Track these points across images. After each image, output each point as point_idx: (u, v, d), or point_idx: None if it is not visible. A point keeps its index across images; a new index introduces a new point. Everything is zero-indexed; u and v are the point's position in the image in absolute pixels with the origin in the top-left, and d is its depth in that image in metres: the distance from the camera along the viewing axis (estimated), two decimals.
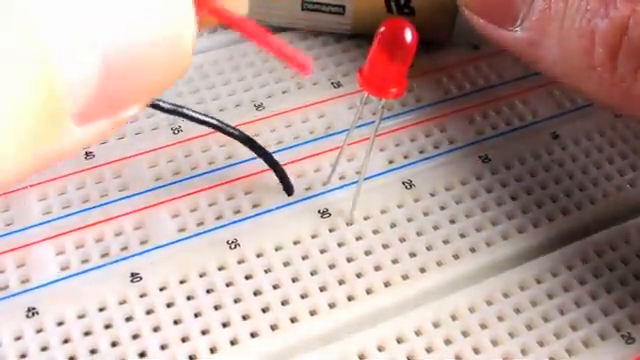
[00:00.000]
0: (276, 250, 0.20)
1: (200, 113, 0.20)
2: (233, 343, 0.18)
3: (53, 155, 0.12)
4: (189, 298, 0.19)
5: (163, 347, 0.18)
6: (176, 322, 0.19)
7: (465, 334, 0.19)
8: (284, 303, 0.19)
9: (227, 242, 0.20)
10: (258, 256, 0.20)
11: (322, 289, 0.19)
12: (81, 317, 0.18)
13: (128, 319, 0.18)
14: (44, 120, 0.11)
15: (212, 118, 0.20)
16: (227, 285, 0.19)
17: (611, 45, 0.18)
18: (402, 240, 0.20)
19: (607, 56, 0.18)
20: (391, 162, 0.22)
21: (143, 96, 0.13)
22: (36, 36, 0.11)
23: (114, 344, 0.18)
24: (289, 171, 0.21)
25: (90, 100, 0.12)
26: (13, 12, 0.11)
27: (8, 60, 0.11)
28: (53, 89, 0.11)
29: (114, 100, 0.13)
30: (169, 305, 0.19)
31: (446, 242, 0.21)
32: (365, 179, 0.21)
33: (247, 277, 0.19)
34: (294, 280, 0.19)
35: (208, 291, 0.19)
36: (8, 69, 0.11)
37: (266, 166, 0.21)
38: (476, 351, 0.19)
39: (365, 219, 0.21)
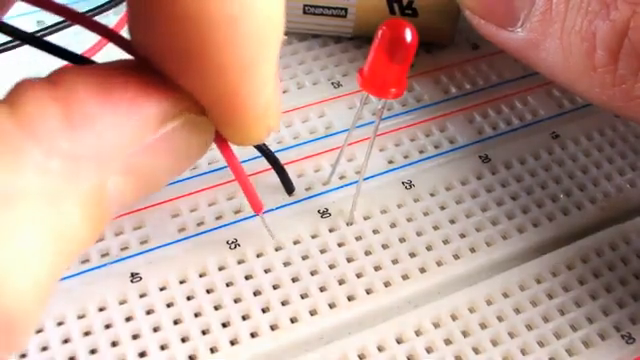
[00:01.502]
0: (276, 250, 0.20)
1: None
2: (233, 343, 0.18)
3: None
4: (189, 298, 0.19)
5: (163, 347, 0.18)
6: (176, 322, 0.19)
7: (465, 334, 0.19)
8: (284, 303, 0.19)
9: (227, 242, 0.20)
10: (258, 256, 0.20)
11: (322, 289, 0.19)
12: (81, 317, 0.18)
13: (128, 319, 0.18)
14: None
15: None
16: (227, 285, 0.19)
17: (612, 47, 0.18)
18: (402, 240, 0.20)
19: (608, 58, 0.18)
20: (391, 162, 0.22)
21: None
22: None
23: (114, 344, 0.18)
24: (289, 171, 0.21)
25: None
26: None
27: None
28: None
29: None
30: (169, 305, 0.19)
31: (446, 242, 0.21)
32: (365, 179, 0.21)
33: (247, 277, 0.19)
34: (294, 280, 0.19)
35: (208, 291, 0.19)
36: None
37: (266, 166, 0.21)
38: (476, 351, 0.19)
39: (365, 219, 0.21)
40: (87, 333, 0.18)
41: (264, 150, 0.21)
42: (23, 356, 0.18)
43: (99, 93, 0.13)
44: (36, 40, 0.16)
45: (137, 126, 0.13)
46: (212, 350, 0.18)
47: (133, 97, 0.13)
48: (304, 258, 0.20)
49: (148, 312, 0.19)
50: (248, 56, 0.13)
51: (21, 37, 0.16)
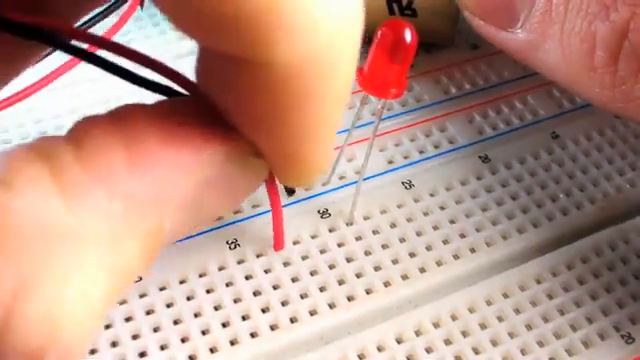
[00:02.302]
0: (276, 250, 0.20)
1: None
2: (233, 343, 0.18)
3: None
4: (189, 298, 0.19)
5: (163, 347, 0.18)
6: (176, 322, 0.19)
7: (465, 334, 0.19)
8: (284, 303, 0.19)
9: (227, 242, 0.20)
10: (258, 256, 0.20)
11: (322, 289, 0.19)
12: None
13: (128, 319, 0.18)
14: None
15: None
16: (227, 285, 0.19)
17: (612, 48, 0.18)
18: (402, 240, 0.20)
19: (608, 59, 0.18)
20: (391, 162, 0.22)
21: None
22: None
23: (114, 344, 0.18)
24: None
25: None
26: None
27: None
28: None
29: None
30: (169, 305, 0.19)
31: (446, 242, 0.21)
32: (365, 179, 0.21)
33: (247, 277, 0.19)
34: (294, 280, 0.19)
35: (208, 291, 0.19)
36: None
37: None
38: (476, 351, 0.19)
39: (365, 219, 0.21)
40: None
41: None
42: None
43: (161, 135, 0.13)
44: (97, 59, 0.15)
45: (196, 168, 0.14)
46: (212, 350, 0.18)
47: (195, 140, 0.14)
48: (304, 258, 0.20)
49: (148, 312, 0.19)
50: (317, 123, 0.14)
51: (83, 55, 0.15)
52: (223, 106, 0.14)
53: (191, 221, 0.15)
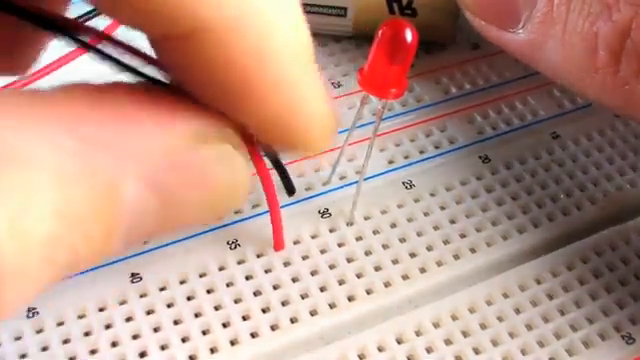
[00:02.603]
0: (276, 250, 0.20)
1: None
2: (233, 343, 0.18)
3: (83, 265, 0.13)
4: (189, 298, 0.19)
5: (163, 347, 0.18)
6: (176, 322, 0.19)
7: (465, 334, 0.19)
8: (284, 303, 0.19)
9: (227, 242, 0.20)
10: (258, 256, 0.20)
11: (322, 289, 0.19)
12: (81, 317, 0.18)
13: (128, 319, 0.18)
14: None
15: None
16: (227, 285, 0.19)
17: (614, 48, 0.18)
18: (402, 240, 0.20)
19: (610, 59, 0.18)
20: (391, 162, 0.22)
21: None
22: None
23: (114, 344, 0.18)
24: (289, 171, 0.21)
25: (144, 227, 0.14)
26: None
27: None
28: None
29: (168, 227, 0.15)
30: (169, 305, 0.19)
31: (446, 242, 0.21)
32: (365, 179, 0.21)
33: (247, 277, 0.19)
34: (294, 280, 0.19)
35: (208, 291, 0.19)
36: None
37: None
38: (476, 351, 0.19)
39: (365, 219, 0.21)
40: (87, 333, 0.18)
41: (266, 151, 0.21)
42: (23, 356, 0.18)
43: (135, 103, 0.13)
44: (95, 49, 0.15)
45: (167, 138, 0.13)
46: (212, 350, 0.18)
47: (167, 114, 0.14)
48: (304, 258, 0.20)
49: (148, 312, 0.19)
50: (279, 85, 0.14)
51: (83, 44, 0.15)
52: (189, 89, 0.14)
53: (161, 209, 0.14)
